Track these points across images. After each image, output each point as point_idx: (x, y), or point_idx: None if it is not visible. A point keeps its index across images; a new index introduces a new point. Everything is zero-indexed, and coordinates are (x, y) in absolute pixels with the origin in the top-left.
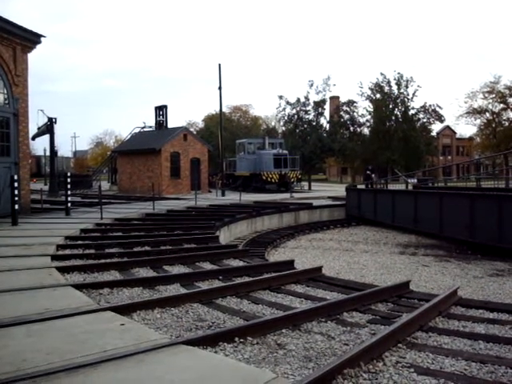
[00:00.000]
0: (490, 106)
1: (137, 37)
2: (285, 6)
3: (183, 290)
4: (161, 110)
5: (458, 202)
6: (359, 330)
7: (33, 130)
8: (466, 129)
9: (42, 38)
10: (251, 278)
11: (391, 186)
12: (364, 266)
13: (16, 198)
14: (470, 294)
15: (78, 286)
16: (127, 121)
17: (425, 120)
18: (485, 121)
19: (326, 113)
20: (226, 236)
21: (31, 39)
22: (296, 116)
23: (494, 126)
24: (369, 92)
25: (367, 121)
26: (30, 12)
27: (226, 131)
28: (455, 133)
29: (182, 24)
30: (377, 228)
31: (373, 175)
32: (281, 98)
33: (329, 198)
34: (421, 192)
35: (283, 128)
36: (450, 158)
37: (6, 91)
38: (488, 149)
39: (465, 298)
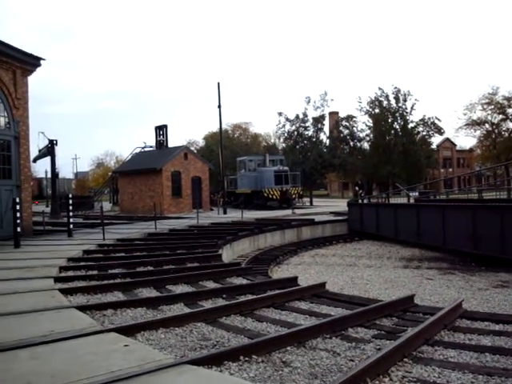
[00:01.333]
0: (489, 117)
1: (135, 57)
2: (282, 23)
3: (187, 310)
4: (161, 130)
5: (460, 214)
6: (364, 345)
7: (34, 152)
8: (466, 141)
9: (42, 61)
10: (255, 296)
11: (393, 200)
12: (368, 280)
13: (18, 221)
14: (475, 307)
15: (82, 308)
16: (128, 141)
17: (424, 133)
18: (484, 132)
19: (326, 128)
20: (228, 254)
21: (31, 62)
22: (296, 132)
23: (493, 137)
24: (367, 107)
25: (367, 135)
26: (29, 35)
27: (227, 149)
28: (455, 145)
29: (181, 43)
30: (379, 242)
31: (360, 191)
32: (280, 114)
33: (331, 213)
34: (423, 205)
35: (283, 145)
36: (450, 170)
37: (6, 114)
38: (488, 160)
39: (470, 310)
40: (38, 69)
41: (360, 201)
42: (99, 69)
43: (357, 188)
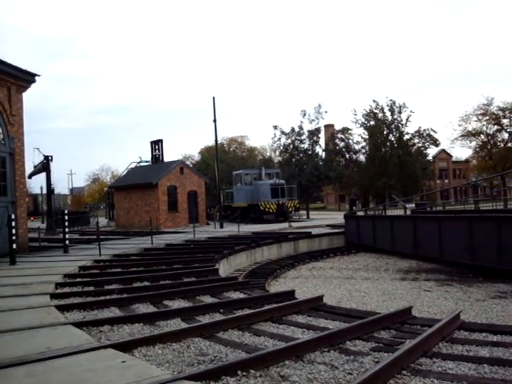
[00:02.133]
0: (484, 128)
1: (130, 73)
2: (277, 37)
3: (184, 325)
4: (156, 145)
5: (457, 225)
6: (362, 358)
7: (29, 168)
8: (462, 151)
9: (37, 78)
10: (252, 310)
11: (389, 212)
12: (365, 293)
13: (14, 238)
14: (473, 318)
15: (78, 324)
16: (123, 156)
17: (420, 144)
18: (480, 143)
19: (322, 141)
20: (225, 268)
21: (26, 78)
22: (291, 145)
23: (489, 147)
24: (363, 119)
25: (362, 147)
26: (25, 52)
27: (223, 163)
28: (451, 156)
29: (176, 57)
30: (377, 254)
31: (356, 202)
32: (275, 128)
33: (327, 226)
34: (419, 217)
35: (279, 158)
36: (446, 181)
37: (1, 130)
38: (484, 170)
39: (468, 321)
40: (34, 85)
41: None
42: (94, 84)
43: (352, 207)
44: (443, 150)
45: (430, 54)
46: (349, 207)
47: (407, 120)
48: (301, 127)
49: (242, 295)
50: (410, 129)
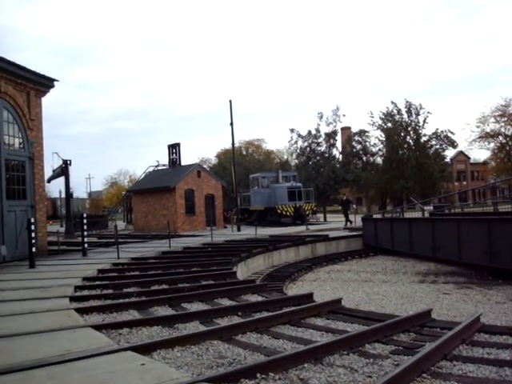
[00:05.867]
0: (502, 130)
1: (148, 78)
2: (293, 39)
3: (203, 328)
4: (174, 148)
5: (475, 227)
6: (382, 361)
7: (48, 172)
8: (480, 153)
9: (57, 84)
10: (270, 313)
11: (407, 214)
12: (384, 296)
13: (33, 241)
14: (493, 321)
15: (98, 327)
16: (141, 160)
17: (437, 146)
18: (498, 144)
19: (338, 144)
20: (243, 271)
21: (44, 83)
22: (308, 148)
23: (507, 149)
24: (380, 121)
25: (380, 150)
26: (46, 60)
27: (240, 166)
28: (469, 158)
29: (193, 61)
30: (395, 257)
31: (351, 204)
32: (292, 131)
33: (345, 228)
34: (438, 219)
35: (296, 161)
36: (465, 183)
37: (21, 135)
38: (503, 172)
39: (488, 324)
40: (53, 90)
41: (350, 220)
42: (113, 90)
43: (340, 207)
44: (461, 152)
45: (448, 55)
46: (342, 210)
47: (424, 122)
48: (318, 130)
49: (260, 298)
50: (427, 131)
